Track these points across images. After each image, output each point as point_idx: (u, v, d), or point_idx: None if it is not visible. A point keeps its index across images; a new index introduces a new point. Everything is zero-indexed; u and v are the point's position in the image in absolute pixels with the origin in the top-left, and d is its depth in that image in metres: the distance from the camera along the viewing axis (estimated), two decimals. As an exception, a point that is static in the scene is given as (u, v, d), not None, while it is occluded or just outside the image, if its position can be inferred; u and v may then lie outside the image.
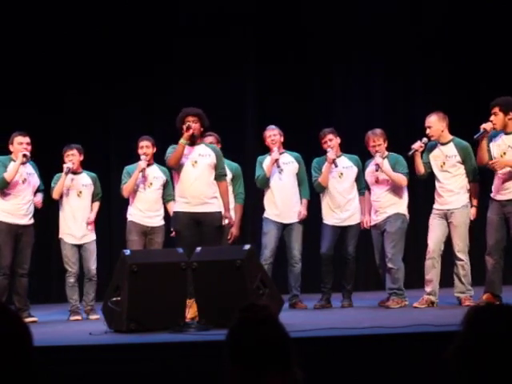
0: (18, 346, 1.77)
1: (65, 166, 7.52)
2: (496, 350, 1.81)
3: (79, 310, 7.54)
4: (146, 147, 7.69)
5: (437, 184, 7.11)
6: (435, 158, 7.12)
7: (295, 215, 7.74)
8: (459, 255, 6.93)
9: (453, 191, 7.02)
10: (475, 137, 6.75)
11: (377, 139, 7.40)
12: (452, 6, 9.71)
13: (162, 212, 7.76)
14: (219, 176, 6.92)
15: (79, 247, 7.61)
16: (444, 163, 7.07)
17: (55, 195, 7.57)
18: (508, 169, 6.67)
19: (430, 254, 6.99)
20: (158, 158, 7.89)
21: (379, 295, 7.65)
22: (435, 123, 7.06)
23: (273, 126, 7.85)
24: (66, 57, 9.65)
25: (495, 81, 9.26)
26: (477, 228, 7.09)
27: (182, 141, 6.72)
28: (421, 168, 7.14)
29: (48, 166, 8.19)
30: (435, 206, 7.11)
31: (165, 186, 7.77)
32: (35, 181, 7.42)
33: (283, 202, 7.71)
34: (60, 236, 7.64)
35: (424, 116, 7.26)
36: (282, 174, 7.73)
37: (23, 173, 7.27)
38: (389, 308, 7.04)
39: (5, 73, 9.49)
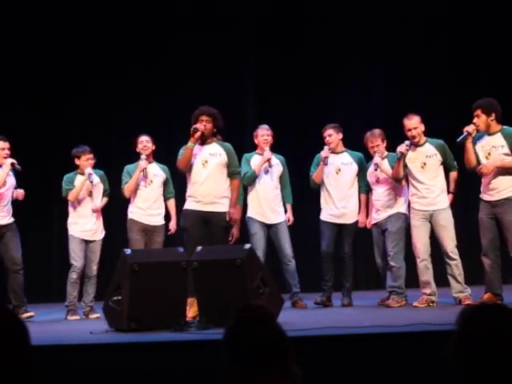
0: (15, 346, 1.78)
1: (86, 171, 7.55)
2: (490, 348, 1.82)
3: (76, 308, 7.55)
4: (145, 141, 7.72)
5: (418, 185, 7.06)
6: (413, 159, 7.08)
7: (278, 216, 7.78)
8: (452, 255, 6.94)
9: (436, 192, 7.03)
10: (458, 140, 6.76)
11: (374, 140, 7.43)
12: (452, 6, 9.72)
13: (162, 210, 7.78)
14: (232, 174, 6.90)
15: (86, 245, 7.64)
16: (425, 163, 7.06)
17: (71, 197, 7.61)
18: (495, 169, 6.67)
19: (422, 256, 6.99)
20: (158, 156, 7.91)
21: (379, 294, 7.66)
22: (418, 124, 7.09)
23: (267, 126, 7.87)
24: (66, 56, 9.66)
25: (495, 81, 9.27)
26: (470, 228, 7.08)
27: (190, 144, 6.70)
28: (401, 171, 7.14)
29: (48, 166, 8.20)
30: (416, 206, 7.08)
31: (165, 184, 7.80)
32: (12, 181, 7.43)
33: (267, 202, 7.75)
34: (70, 233, 7.66)
35: (424, 116, 7.26)
36: (268, 174, 7.77)
37: None
38: (389, 307, 7.04)
39: (5, 74, 9.51)
